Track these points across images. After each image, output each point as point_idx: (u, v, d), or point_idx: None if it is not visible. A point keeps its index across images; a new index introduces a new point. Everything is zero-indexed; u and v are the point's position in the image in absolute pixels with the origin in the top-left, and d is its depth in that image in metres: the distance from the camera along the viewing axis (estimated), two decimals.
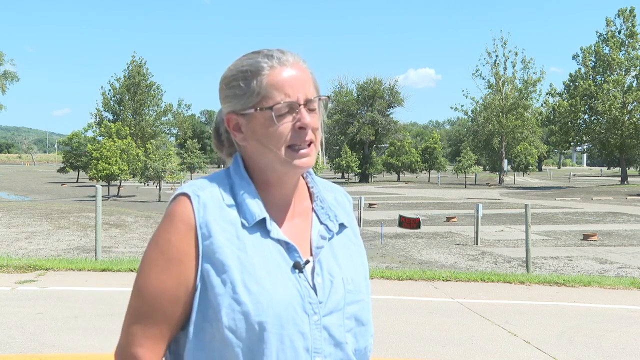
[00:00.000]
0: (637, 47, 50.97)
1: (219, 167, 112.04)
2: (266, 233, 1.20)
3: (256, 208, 1.20)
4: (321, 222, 1.30)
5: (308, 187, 1.34)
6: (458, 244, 14.84)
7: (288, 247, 1.21)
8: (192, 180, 1.24)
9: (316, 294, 1.20)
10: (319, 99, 1.25)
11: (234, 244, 1.17)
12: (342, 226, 1.32)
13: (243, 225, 1.19)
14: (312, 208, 1.31)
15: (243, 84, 1.21)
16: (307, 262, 1.22)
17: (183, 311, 1.18)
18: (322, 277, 1.22)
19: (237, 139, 1.25)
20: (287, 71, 1.21)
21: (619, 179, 53.54)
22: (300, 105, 1.20)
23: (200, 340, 1.16)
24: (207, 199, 1.19)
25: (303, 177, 1.33)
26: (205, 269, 1.16)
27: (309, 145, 1.21)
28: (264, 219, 1.20)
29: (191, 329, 1.17)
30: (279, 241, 1.20)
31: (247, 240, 1.18)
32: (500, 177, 58.49)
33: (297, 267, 1.20)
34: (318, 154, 1.28)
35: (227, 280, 1.14)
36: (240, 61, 1.24)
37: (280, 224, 1.24)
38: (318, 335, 1.18)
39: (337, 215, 1.32)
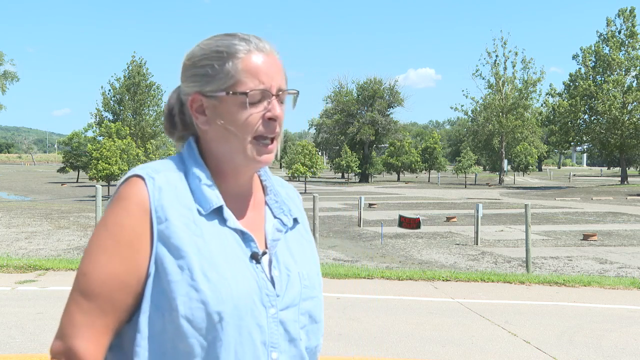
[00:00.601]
0: (637, 47, 50.97)
1: None
2: (223, 221, 1.15)
3: (213, 195, 1.14)
4: (275, 216, 1.25)
5: (260, 180, 1.29)
6: (458, 244, 14.84)
7: (244, 237, 1.16)
8: (143, 164, 1.17)
9: (274, 287, 1.15)
10: (289, 93, 1.20)
11: (191, 229, 1.10)
12: (295, 221, 1.28)
13: (199, 213, 1.12)
14: (265, 201, 1.27)
15: (217, 64, 1.15)
16: (265, 253, 1.18)
17: (133, 300, 1.10)
18: (279, 271, 1.18)
19: (199, 122, 1.17)
20: (263, 58, 1.16)
21: (619, 179, 53.54)
22: (272, 95, 1.15)
23: (150, 332, 1.09)
24: (162, 182, 1.12)
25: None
26: (160, 254, 1.09)
27: (272, 140, 1.17)
28: (220, 207, 1.15)
29: (141, 319, 1.09)
30: (235, 230, 1.15)
31: (204, 227, 1.12)
32: (500, 177, 58.49)
33: (255, 257, 1.15)
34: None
35: (185, 267, 1.07)
36: (214, 41, 1.18)
37: (234, 214, 1.18)
38: (275, 329, 1.14)
39: (291, 209, 1.28)
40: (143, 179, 1.12)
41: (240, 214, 1.20)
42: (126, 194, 1.11)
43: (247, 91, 1.13)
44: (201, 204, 1.13)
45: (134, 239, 1.09)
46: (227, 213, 1.15)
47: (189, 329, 1.06)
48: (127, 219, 1.10)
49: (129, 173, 1.14)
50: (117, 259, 1.09)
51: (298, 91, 1.22)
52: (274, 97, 1.16)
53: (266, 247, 1.20)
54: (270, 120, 1.15)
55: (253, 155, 1.15)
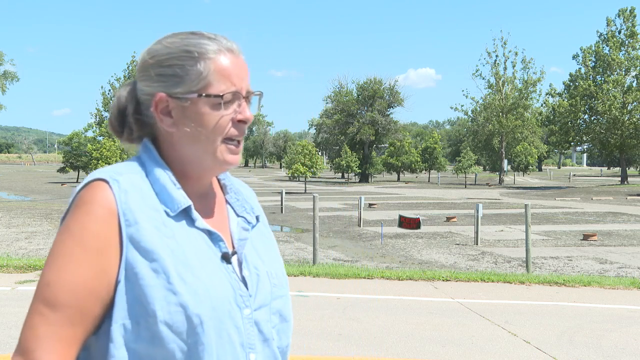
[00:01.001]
0: (637, 47, 50.98)
1: None
2: (191, 222, 1.11)
3: (179, 196, 1.11)
4: (238, 215, 1.23)
5: (218, 180, 1.26)
6: (458, 244, 14.84)
7: (213, 237, 1.13)
8: (102, 168, 1.12)
9: (246, 287, 1.13)
10: (255, 94, 1.18)
11: (161, 231, 1.06)
12: (256, 219, 1.26)
13: (167, 214, 1.09)
14: (226, 200, 1.24)
15: (187, 65, 1.11)
16: (234, 253, 1.16)
17: (102, 309, 1.05)
18: (249, 271, 1.16)
19: (165, 124, 1.12)
20: (233, 59, 1.13)
21: (619, 179, 53.54)
22: (243, 97, 1.14)
23: (124, 341, 1.03)
24: (127, 184, 1.08)
25: None
26: (131, 259, 1.04)
27: (239, 142, 1.15)
28: (188, 208, 1.11)
29: (113, 328, 1.03)
30: (204, 231, 1.12)
31: (174, 229, 1.08)
32: (500, 177, 58.50)
33: (226, 257, 1.12)
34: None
35: (160, 270, 1.03)
36: (180, 40, 1.13)
37: (199, 215, 1.15)
38: (250, 330, 1.12)
39: (253, 207, 1.26)
40: (107, 182, 1.07)
41: (205, 215, 1.17)
42: (90, 198, 1.06)
43: (222, 94, 1.10)
44: (168, 205, 1.09)
45: (102, 245, 1.04)
46: (195, 213, 1.12)
47: (168, 334, 1.02)
48: (94, 223, 1.04)
49: (89, 177, 1.09)
50: (85, 266, 1.03)
51: (262, 92, 1.19)
52: (244, 100, 1.14)
53: (233, 247, 1.18)
54: (240, 123, 1.13)
55: (223, 157, 1.13)
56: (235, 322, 1.09)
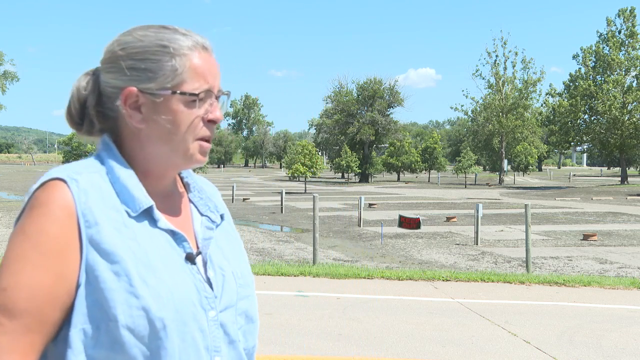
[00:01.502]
0: (637, 47, 50.99)
1: (219, 167, 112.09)
2: (154, 222, 1.07)
3: (141, 195, 1.06)
4: (202, 214, 1.19)
5: (181, 178, 1.22)
6: (458, 244, 14.84)
7: (176, 238, 1.09)
8: (59, 166, 1.07)
9: (211, 289, 1.10)
10: (224, 94, 1.15)
11: (123, 232, 1.02)
12: (221, 218, 1.22)
13: (128, 215, 1.05)
14: (189, 199, 1.20)
15: (162, 60, 1.06)
16: (199, 253, 1.12)
17: (62, 314, 1.00)
18: (214, 271, 1.12)
19: (134, 120, 1.07)
20: (207, 57, 1.10)
21: (619, 179, 53.55)
22: (215, 96, 1.11)
23: (84, 347, 0.99)
24: (86, 184, 1.03)
25: None
26: (91, 261, 0.99)
27: (208, 142, 1.12)
28: (150, 208, 1.07)
29: (72, 334, 0.99)
30: (167, 231, 1.08)
31: (136, 230, 1.04)
32: (500, 177, 58.51)
33: (190, 258, 1.08)
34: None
35: (121, 273, 0.99)
36: (153, 33, 1.09)
37: (162, 214, 1.11)
38: (216, 332, 1.08)
39: (217, 206, 1.22)
40: (65, 181, 1.02)
41: (168, 214, 1.13)
42: (47, 199, 1.00)
43: (197, 92, 1.07)
44: (129, 205, 1.05)
45: (60, 247, 0.99)
46: (157, 213, 1.08)
47: (130, 339, 0.98)
48: (52, 225, 0.99)
49: (45, 177, 1.03)
50: (43, 270, 0.98)
51: (230, 92, 1.16)
52: (215, 99, 1.11)
53: (197, 247, 1.14)
54: (210, 122, 1.10)
55: (193, 156, 1.10)
56: (200, 324, 1.06)
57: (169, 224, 1.09)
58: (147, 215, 1.07)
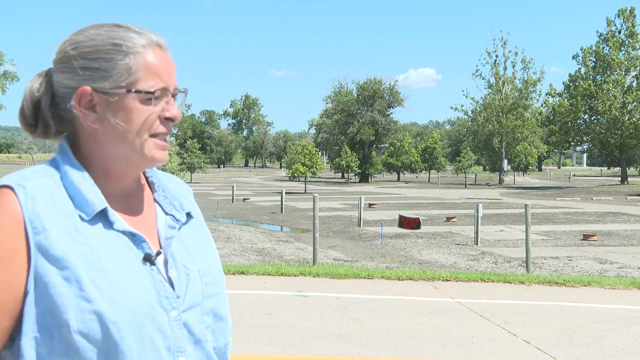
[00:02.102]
0: (637, 47, 51.00)
1: (219, 167, 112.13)
2: (109, 225, 1.06)
3: (95, 198, 1.05)
4: (166, 213, 1.18)
5: (146, 177, 1.21)
6: (458, 244, 14.84)
7: (135, 239, 1.08)
8: (10, 174, 1.06)
9: (173, 288, 1.08)
10: (181, 91, 1.13)
11: (73, 237, 1.01)
12: (189, 216, 1.21)
13: (81, 218, 1.03)
14: (154, 198, 1.19)
15: (116, 58, 1.05)
16: (159, 253, 1.10)
17: (11, 322, 0.99)
18: (177, 270, 1.11)
19: (88, 119, 1.06)
20: (162, 54, 1.09)
21: (619, 179, 53.56)
22: (171, 94, 1.10)
23: (36, 355, 0.98)
24: (35, 190, 1.02)
25: None
26: (40, 267, 0.98)
27: (165, 139, 1.11)
28: (104, 210, 1.06)
29: (23, 342, 0.98)
30: (124, 233, 1.07)
31: (88, 233, 1.03)
32: (500, 177, 58.52)
33: (148, 259, 1.07)
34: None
35: (71, 278, 0.98)
36: (105, 32, 1.07)
37: (121, 215, 1.10)
38: (179, 332, 1.07)
39: (182, 204, 1.21)
40: (12, 188, 1.01)
41: (128, 215, 1.12)
42: None
43: (152, 90, 1.06)
44: (82, 209, 1.04)
45: (7, 255, 0.98)
46: (113, 215, 1.07)
47: (84, 344, 0.97)
48: None
49: None
50: None
51: (187, 90, 1.14)
52: (172, 96, 1.10)
53: (160, 247, 1.13)
54: (168, 120, 1.09)
55: (152, 154, 1.09)
56: (160, 325, 1.04)
57: (125, 226, 1.08)
58: (101, 217, 1.06)
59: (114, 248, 1.05)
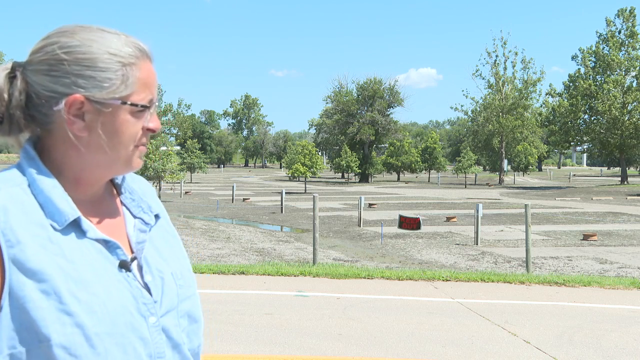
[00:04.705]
0: (637, 47, 51.00)
1: (219, 167, 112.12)
2: (82, 234, 1.03)
3: (66, 207, 1.02)
4: (135, 216, 1.15)
5: (112, 180, 1.17)
6: (458, 244, 14.85)
7: (109, 246, 1.05)
8: None
9: (150, 294, 1.06)
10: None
11: (48, 249, 0.98)
12: (157, 217, 1.18)
13: (54, 228, 1.00)
14: (121, 202, 1.16)
15: (113, 69, 1.03)
16: (134, 259, 1.08)
17: None
18: (152, 275, 1.09)
19: (75, 127, 1.02)
20: (150, 65, 1.08)
21: (619, 179, 53.56)
22: (155, 105, 1.09)
23: None
24: (5, 200, 0.98)
25: None
26: (16, 282, 0.95)
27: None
28: (77, 219, 1.03)
29: None
30: (98, 241, 1.04)
31: (62, 244, 1.00)
32: (500, 177, 58.52)
33: (124, 266, 1.05)
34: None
35: (50, 291, 0.95)
36: (98, 37, 1.04)
37: (92, 223, 1.07)
38: (159, 338, 1.05)
39: (150, 206, 1.18)
40: None
41: (99, 221, 1.09)
42: None
43: (147, 104, 1.06)
44: (54, 218, 1.00)
45: None
46: (86, 224, 1.04)
47: (65, 357, 0.95)
48: None
49: None
50: None
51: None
52: (154, 108, 1.09)
53: (132, 252, 1.10)
54: (149, 131, 1.08)
55: (136, 164, 1.08)
56: (140, 333, 1.02)
57: (99, 233, 1.05)
58: (74, 227, 1.03)
59: (90, 257, 1.02)
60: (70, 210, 1.02)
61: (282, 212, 23.77)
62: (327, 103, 67.01)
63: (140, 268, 1.09)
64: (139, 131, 1.06)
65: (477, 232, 14.75)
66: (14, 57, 1.15)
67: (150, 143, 36.63)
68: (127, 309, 1.02)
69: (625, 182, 50.18)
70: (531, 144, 67.34)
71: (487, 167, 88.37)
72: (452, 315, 6.94)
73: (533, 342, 5.89)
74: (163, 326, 1.06)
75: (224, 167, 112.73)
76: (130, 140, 1.06)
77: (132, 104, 1.04)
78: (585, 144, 57.51)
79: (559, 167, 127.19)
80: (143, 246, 1.11)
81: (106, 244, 1.05)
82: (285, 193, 27.63)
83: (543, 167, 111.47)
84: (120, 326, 1.00)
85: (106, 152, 1.04)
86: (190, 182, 50.91)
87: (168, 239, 1.18)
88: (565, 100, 52.73)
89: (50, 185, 1.02)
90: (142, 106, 1.05)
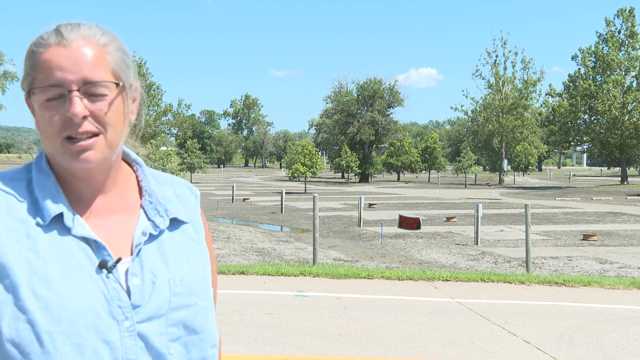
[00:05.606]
0: (637, 47, 50.99)
1: (219, 167, 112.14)
2: (66, 231, 1.03)
3: (50, 203, 1.04)
4: (149, 219, 1.13)
5: (138, 182, 1.17)
6: (458, 244, 14.85)
7: (96, 245, 1.04)
8: None
9: (130, 297, 1.04)
10: (102, 85, 1.04)
11: (22, 244, 1.00)
12: (176, 221, 1.15)
13: (38, 224, 1.02)
14: (141, 204, 1.15)
15: (26, 60, 1.06)
16: (119, 260, 1.05)
17: None
18: (142, 278, 1.06)
19: (35, 123, 1.07)
20: (61, 50, 1.03)
21: (619, 179, 53.55)
22: (71, 91, 1.01)
23: None
24: None
25: (133, 170, 1.18)
26: None
27: (91, 136, 1.03)
28: (61, 215, 1.04)
29: None
30: (82, 239, 1.04)
31: (39, 240, 1.01)
32: (500, 177, 58.51)
33: (104, 266, 1.03)
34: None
35: (9, 286, 0.97)
36: (40, 34, 1.07)
37: (90, 222, 1.07)
38: (132, 344, 1.02)
39: (167, 209, 1.15)
40: None
41: (98, 221, 1.08)
42: None
43: (45, 85, 1.02)
44: (42, 214, 1.03)
45: None
46: (73, 221, 1.04)
47: (15, 354, 0.96)
48: None
49: None
50: None
51: (118, 83, 1.07)
52: (73, 93, 1.01)
53: (132, 253, 1.09)
54: (74, 119, 1.01)
55: (67, 157, 1.03)
56: (105, 336, 1.00)
57: (86, 231, 1.05)
58: (57, 223, 1.03)
59: (67, 255, 1.02)
60: (54, 206, 1.04)
61: (282, 212, 23.77)
62: (327, 103, 67.03)
63: (126, 271, 1.06)
64: (56, 120, 1.02)
65: (477, 232, 14.75)
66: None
67: (150, 143, 36.67)
68: (93, 309, 1.00)
69: (625, 182, 50.16)
70: (531, 144, 67.31)
71: (487, 167, 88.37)
72: (452, 315, 6.94)
73: (533, 342, 5.89)
74: (141, 332, 1.03)
75: (224, 167, 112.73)
76: (48, 130, 1.03)
77: (29, 92, 1.04)
78: (585, 144, 57.50)
79: (559, 167, 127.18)
80: (139, 249, 1.09)
81: (93, 242, 1.04)
82: (285, 193, 27.63)
83: (543, 167, 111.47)
84: (79, 327, 0.98)
85: (45, 145, 1.06)
86: (190, 182, 50.84)
87: (187, 245, 1.15)
88: (565, 100, 52.71)
89: (44, 182, 1.06)
90: (29, 92, 1.04)
